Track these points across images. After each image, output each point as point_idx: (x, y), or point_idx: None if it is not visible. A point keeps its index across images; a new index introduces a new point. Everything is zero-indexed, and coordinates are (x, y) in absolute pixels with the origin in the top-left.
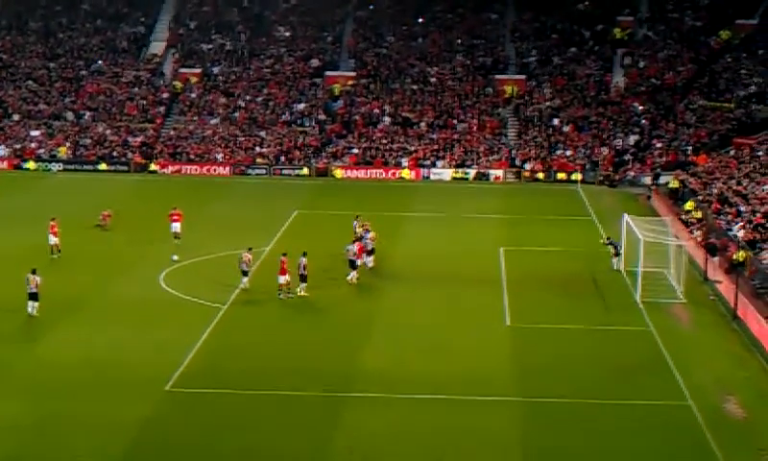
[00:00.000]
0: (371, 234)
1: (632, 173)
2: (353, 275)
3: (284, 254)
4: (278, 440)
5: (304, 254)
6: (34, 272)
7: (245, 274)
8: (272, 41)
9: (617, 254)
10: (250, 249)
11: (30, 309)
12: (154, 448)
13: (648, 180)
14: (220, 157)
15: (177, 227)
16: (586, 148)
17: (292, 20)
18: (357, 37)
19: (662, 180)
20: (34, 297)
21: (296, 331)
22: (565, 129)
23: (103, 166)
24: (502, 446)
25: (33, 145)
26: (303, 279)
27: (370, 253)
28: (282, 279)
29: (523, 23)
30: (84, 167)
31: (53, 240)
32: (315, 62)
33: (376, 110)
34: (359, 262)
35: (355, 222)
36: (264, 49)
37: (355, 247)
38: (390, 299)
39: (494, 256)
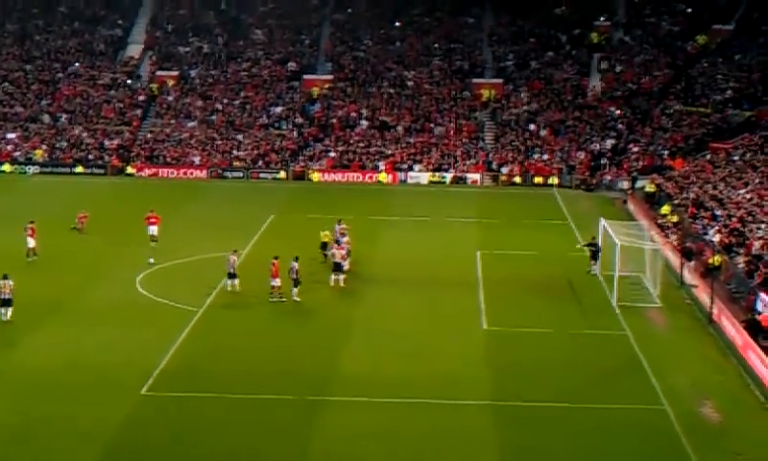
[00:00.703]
0: (345, 239)
1: (608, 177)
2: (341, 277)
3: (276, 258)
4: (256, 443)
5: (296, 259)
6: (5, 277)
7: (232, 276)
8: (249, 44)
9: (595, 259)
10: (235, 251)
11: (3, 316)
12: (130, 452)
13: (625, 184)
14: (197, 160)
15: (154, 230)
16: (562, 152)
17: (269, 23)
18: (334, 41)
19: (639, 184)
20: (6, 303)
21: (273, 335)
22: (542, 133)
23: (79, 169)
24: (479, 449)
25: (9, 147)
26: (296, 283)
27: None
28: (275, 283)
29: (500, 27)
30: (61, 170)
31: (31, 243)
32: (292, 66)
33: (353, 114)
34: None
35: (337, 226)
36: (241, 52)
37: (338, 252)
38: (368, 302)
39: (472, 260)
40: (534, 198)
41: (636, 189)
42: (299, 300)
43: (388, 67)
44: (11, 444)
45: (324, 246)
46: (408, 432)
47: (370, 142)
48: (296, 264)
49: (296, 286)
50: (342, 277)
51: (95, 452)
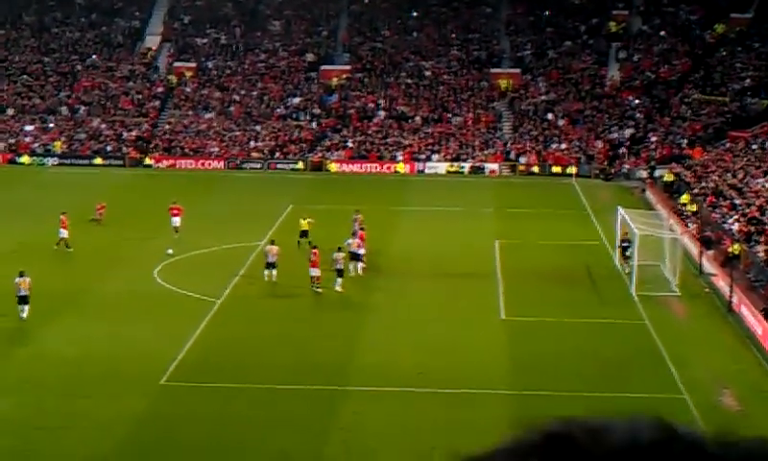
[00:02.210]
0: (360, 232)
1: (627, 166)
2: (339, 281)
3: (315, 247)
4: (274, 434)
5: (339, 249)
6: (22, 274)
7: (271, 265)
8: (266, 35)
9: (627, 257)
10: (273, 241)
11: (21, 313)
12: (149, 443)
13: (643, 173)
14: (215, 151)
15: (177, 221)
16: (581, 141)
17: (286, 14)
18: (352, 32)
19: (657, 173)
20: (24, 300)
21: (290, 325)
22: (560, 122)
23: (98, 161)
24: (496, 439)
25: (27, 140)
26: (340, 273)
27: (357, 258)
28: (314, 272)
29: (518, 17)
30: (79, 162)
31: (63, 234)
32: (310, 57)
33: (371, 104)
34: (360, 265)
35: (355, 216)
36: (259, 43)
37: (354, 241)
38: (385, 293)
39: (489, 250)
40: (552, 187)
41: (655, 178)
42: (340, 290)
43: (405, 58)
44: (29, 435)
45: (305, 234)
46: (424, 423)
47: (387, 133)
48: (340, 254)
49: (339, 276)
50: (360, 265)
51: (114, 443)
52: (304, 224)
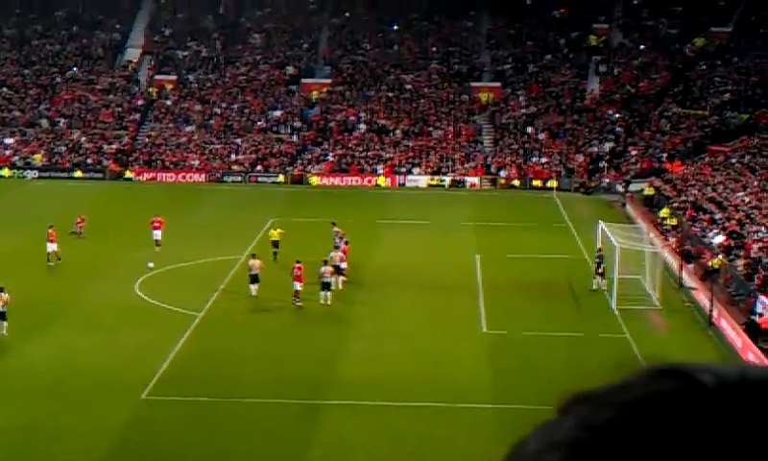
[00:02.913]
0: (343, 242)
1: (607, 180)
2: (328, 295)
3: (298, 261)
4: (256, 447)
5: (325, 263)
6: (1, 290)
7: (255, 280)
8: (247, 49)
9: (600, 273)
10: (254, 255)
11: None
12: (130, 456)
13: (620, 187)
14: (196, 164)
15: (158, 234)
16: (561, 155)
17: (267, 27)
18: (333, 45)
19: (634, 187)
20: (1, 316)
21: (272, 338)
22: (541, 136)
23: (78, 173)
24: (479, 452)
25: (7, 152)
26: (327, 287)
27: (339, 272)
28: (297, 286)
29: (498, 30)
30: (59, 174)
31: (51, 248)
32: (290, 70)
33: (352, 118)
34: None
35: (333, 229)
36: (239, 56)
37: (337, 254)
38: (367, 306)
39: (471, 263)
40: (532, 201)
41: (632, 192)
42: (329, 303)
43: (386, 71)
44: (10, 448)
45: (276, 244)
46: (408, 436)
47: (368, 146)
48: (327, 268)
49: (327, 290)
50: (341, 278)
51: (95, 456)
52: (275, 234)
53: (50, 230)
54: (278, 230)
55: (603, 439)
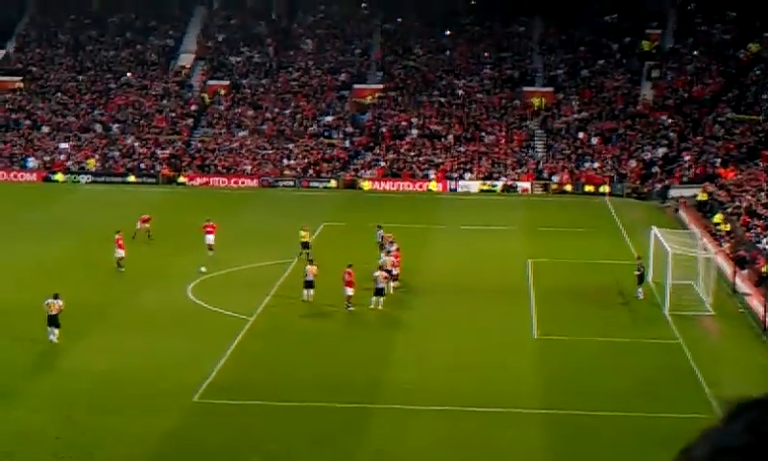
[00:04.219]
0: (395, 247)
1: (660, 185)
2: (380, 300)
3: (350, 266)
4: (305, 451)
5: (380, 268)
6: (56, 297)
7: (310, 285)
8: (299, 54)
9: (641, 282)
10: (311, 261)
11: (51, 336)
12: (180, 459)
13: (676, 193)
14: (248, 169)
15: (210, 238)
16: (613, 160)
17: (319, 33)
18: (385, 50)
19: (674, 193)
20: (54, 322)
21: (323, 343)
22: (593, 141)
23: (131, 178)
24: (529, 458)
25: (62, 157)
26: (380, 292)
27: (392, 277)
28: (349, 291)
29: (550, 35)
30: (113, 179)
31: (119, 253)
32: (342, 75)
33: (404, 123)
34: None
35: (378, 232)
36: (292, 62)
37: (389, 259)
38: (417, 311)
39: (522, 269)
40: (585, 206)
41: (669, 200)
42: (381, 308)
43: (438, 76)
44: (63, 449)
45: (306, 246)
46: (456, 442)
47: (420, 151)
48: (381, 273)
49: (380, 295)
50: (393, 284)
51: (147, 459)
52: (305, 235)
53: (117, 236)
54: (306, 232)
55: None
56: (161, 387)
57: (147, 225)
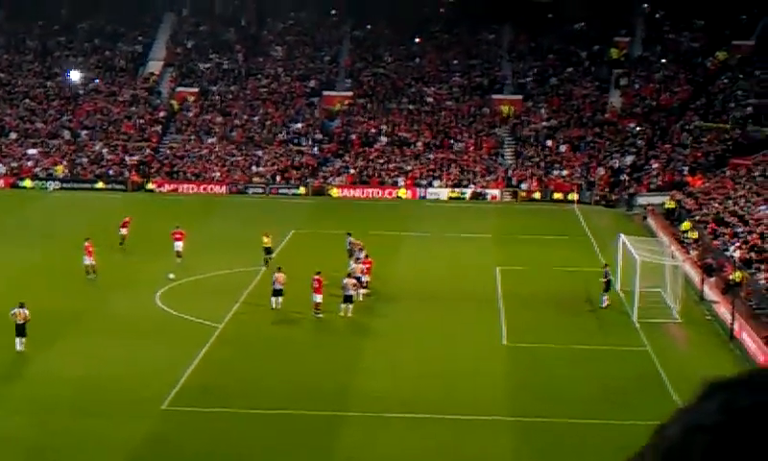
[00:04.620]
0: (363, 253)
1: (627, 193)
2: (349, 307)
3: (318, 273)
4: (276, 459)
5: (349, 275)
6: (21, 306)
7: (278, 293)
8: (269, 61)
9: (607, 289)
10: (279, 268)
11: (18, 346)
12: None
13: (643, 201)
14: (217, 175)
15: (179, 246)
16: (582, 168)
17: (289, 40)
18: (354, 57)
19: (642, 201)
20: (21, 331)
21: (293, 351)
22: (562, 149)
23: (99, 185)
24: None
25: (29, 163)
26: (349, 299)
27: (361, 284)
28: (317, 298)
29: (519, 43)
30: (81, 185)
31: (88, 261)
32: (312, 82)
33: (373, 130)
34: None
35: (348, 239)
36: (261, 68)
37: (358, 266)
38: (387, 318)
39: (491, 276)
40: (553, 214)
41: (653, 205)
42: (350, 315)
43: (407, 84)
44: (32, 456)
45: (269, 251)
46: (425, 449)
47: (389, 158)
48: (350, 280)
49: (349, 302)
50: (362, 291)
51: None
52: (267, 241)
53: (86, 244)
54: (269, 237)
55: (748, 421)
56: (129, 395)
57: (125, 230)
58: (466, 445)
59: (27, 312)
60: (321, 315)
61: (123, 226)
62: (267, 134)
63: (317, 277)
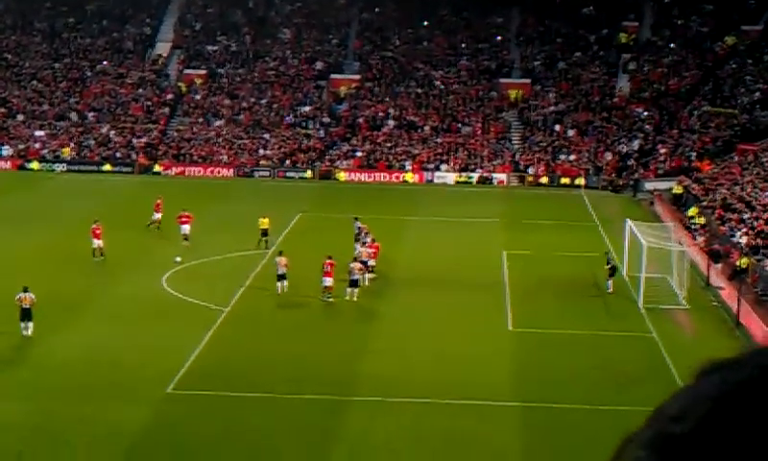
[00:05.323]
0: (370, 238)
1: (634, 179)
2: (355, 292)
3: (329, 257)
4: (281, 443)
5: (355, 259)
6: (26, 290)
7: (282, 278)
8: (276, 43)
9: (612, 274)
10: (281, 252)
11: (24, 331)
12: (154, 450)
13: (650, 186)
14: (224, 158)
15: (186, 228)
16: (590, 153)
17: (297, 22)
18: (362, 40)
19: (649, 186)
20: (27, 316)
21: (299, 334)
22: (569, 133)
23: (107, 167)
24: (502, 451)
25: (37, 145)
26: (355, 283)
27: (367, 268)
28: (328, 282)
29: (528, 27)
30: (88, 168)
31: (96, 243)
32: (319, 65)
33: (381, 114)
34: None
35: (356, 224)
36: (269, 51)
37: (364, 250)
38: (393, 303)
39: (497, 261)
40: (560, 199)
41: (644, 191)
42: (355, 300)
43: (415, 67)
44: (36, 439)
45: (265, 233)
46: (431, 434)
47: (396, 142)
48: (356, 265)
49: (356, 287)
50: (368, 275)
51: (120, 449)
52: (264, 222)
53: (94, 226)
54: (266, 219)
55: (743, 396)
56: (135, 377)
57: (159, 214)
58: (471, 429)
59: (33, 296)
60: (330, 299)
61: (156, 209)
62: (274, 117)
63: (329, 260)
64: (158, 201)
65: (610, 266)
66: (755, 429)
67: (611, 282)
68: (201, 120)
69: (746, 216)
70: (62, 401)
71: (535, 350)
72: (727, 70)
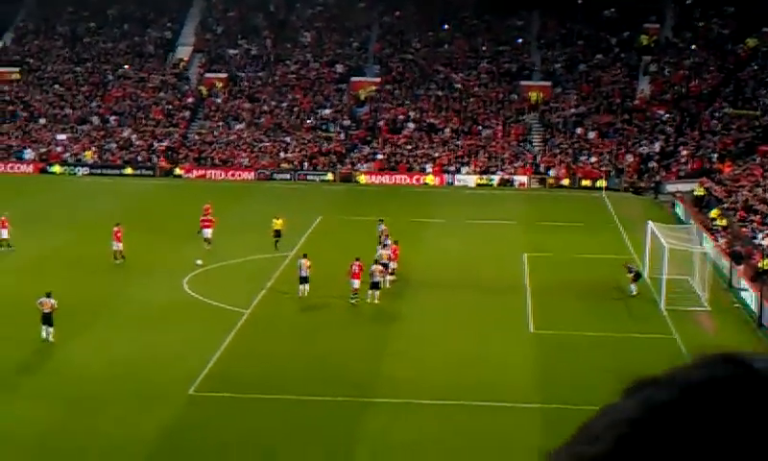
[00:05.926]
0: (390, 240)
1: (656, 181)
2: (376, 294)
3: (358, 259)
4: (301, 445)
5: (376, 262)
6: (48, 295)
7: (304, 280)
8: (297, 47)
9: (636, 280)
10: (305, 255)
11: (44, 334)
12: (176, 452)
13: (672, 188)
14: (245, 161)
15: (208, 232)
16: (611, 155)
17: (317, 26)
18: (383, 43)
19: (671, 188)
20: (48, 320)
21: (319, 337)
22: (590, 135)
23: (128, 170)
24: (524, 453)
25: (58, 149)
26: (376, 286)
27: (390, 271)
28: (357, 284)
29: (548, 30)
30: (110, 171)
31: (117, 246)
32: (340, 68)
33: (401, 116)
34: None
35: (380, 226)
36: (289, 54)
37: (385, 252)
38: (414, 305)
39: (518, 263)
40: (581, 201)
41: (665, 193)
42: (377, 302)
43: (436, 70)
44: (58, 442)
45: (278, 233)
46: (452, 436)
47: (417, 145)
48: (377, 267)
49: (377, 289)
50: (389, 277)
51: (142, 451)
52: (278, 223)
53: (116, 229)
54: (279, 220)
55: (661, 418)
56: (157, 380)
57: (208, 213)
58: (492, 431)
59: (54, 302)
60: (355, 301)
61: (205, 213)
62: (295, 120)
63: (357, 262)
64: (207, 205)
65: (633, 274)
66: (669, 455)
67: (634, 286)
68: (221, 123)
69: None
70: (84, 403)
71: (556, 352)
72: (748, 72)
